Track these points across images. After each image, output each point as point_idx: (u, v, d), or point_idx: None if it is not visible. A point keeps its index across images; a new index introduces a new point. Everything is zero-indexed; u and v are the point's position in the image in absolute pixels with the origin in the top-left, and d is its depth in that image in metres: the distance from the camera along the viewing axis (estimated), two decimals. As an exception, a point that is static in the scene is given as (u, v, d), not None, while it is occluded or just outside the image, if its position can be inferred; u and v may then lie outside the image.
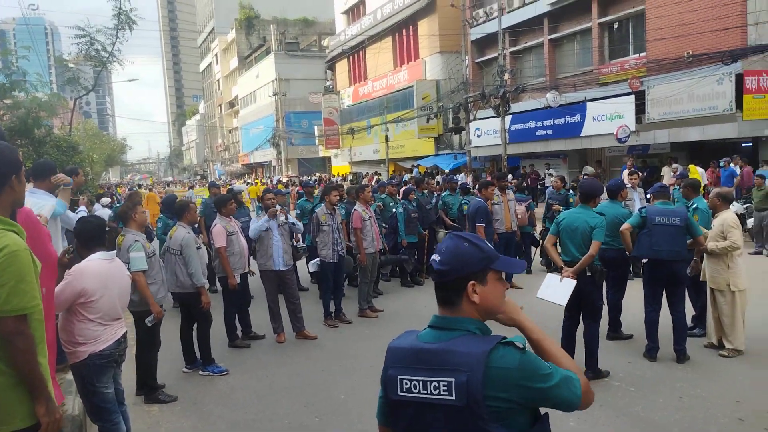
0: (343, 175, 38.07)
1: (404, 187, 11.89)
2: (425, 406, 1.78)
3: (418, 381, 1.78)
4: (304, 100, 50.59)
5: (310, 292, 10.69)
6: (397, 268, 11.27)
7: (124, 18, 17.26)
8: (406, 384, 1.80)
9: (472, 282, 1.83)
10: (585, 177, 13.74)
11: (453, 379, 1.72)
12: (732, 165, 17.88)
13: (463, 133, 28.14)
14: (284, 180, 35.44)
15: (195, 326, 6.79)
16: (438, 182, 17.49)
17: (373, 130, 38.73)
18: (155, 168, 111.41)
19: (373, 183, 22.85)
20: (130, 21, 17.39)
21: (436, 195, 12.21)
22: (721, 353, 6.48)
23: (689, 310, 6.96)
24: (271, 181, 34.30)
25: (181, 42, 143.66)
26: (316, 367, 6.75)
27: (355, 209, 8.91)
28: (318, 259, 8.61)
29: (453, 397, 1.72)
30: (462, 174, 22.82)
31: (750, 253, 12.16)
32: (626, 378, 5.96)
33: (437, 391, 1.74)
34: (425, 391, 1.76)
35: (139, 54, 77.97)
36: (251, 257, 7.99)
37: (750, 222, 13.24)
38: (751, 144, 19.47)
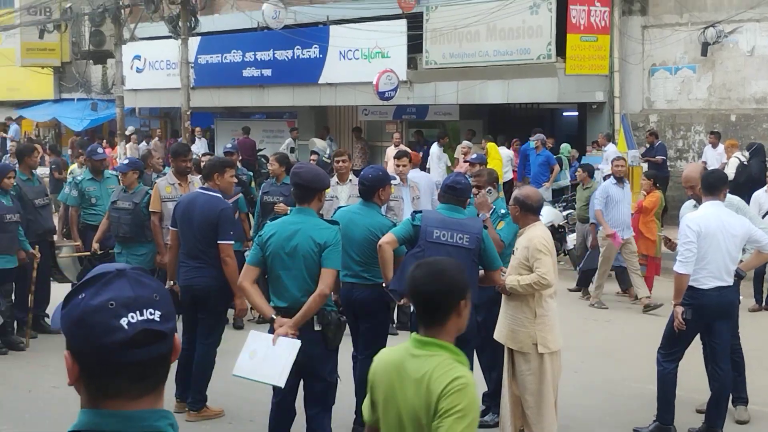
0: None
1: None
2: None
3: None
4: None
5: None
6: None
7: None
8: None
9: None
10: (316, 157, 11.77)
11: None
12: (546, 147, 13.77)
13: (111, 63, 21.04)
14: None
15: None
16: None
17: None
18: None
19: None
20: None
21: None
22: (523, 455, 5.37)
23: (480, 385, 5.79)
24: None
25: None
26: None
27: None
28: None
29: None
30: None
31: (570, 290, 10.21)
32: None
33: None
34: None
35: None
36: None
37: (571, 239, 10.66)
38: (576, 113, 15.89)
